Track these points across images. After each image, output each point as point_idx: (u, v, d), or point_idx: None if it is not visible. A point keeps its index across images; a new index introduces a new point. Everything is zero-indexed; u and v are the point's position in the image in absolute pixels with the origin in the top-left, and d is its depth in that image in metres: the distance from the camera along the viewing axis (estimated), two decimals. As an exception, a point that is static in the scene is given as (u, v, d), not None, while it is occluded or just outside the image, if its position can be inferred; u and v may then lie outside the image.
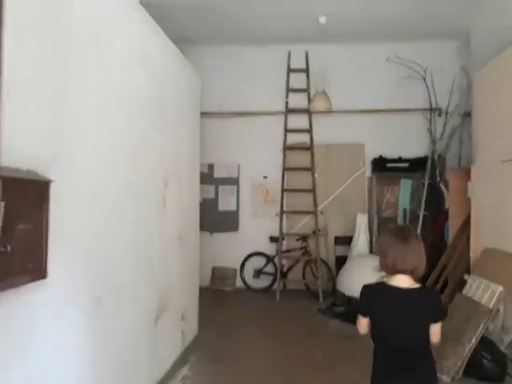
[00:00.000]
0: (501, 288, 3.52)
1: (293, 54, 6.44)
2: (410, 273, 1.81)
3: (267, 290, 6.22)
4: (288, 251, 6.27)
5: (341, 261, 6.11)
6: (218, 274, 6.46)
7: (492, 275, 3.79)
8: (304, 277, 6.06)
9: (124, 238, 2.55)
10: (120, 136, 2.51)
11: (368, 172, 6.43)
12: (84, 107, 2.09)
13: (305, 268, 6.07)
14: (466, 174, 4.68)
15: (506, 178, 3.82)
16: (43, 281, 1.72)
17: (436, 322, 1.84)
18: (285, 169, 6.27)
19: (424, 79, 6.18)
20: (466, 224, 4.67)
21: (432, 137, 6.15)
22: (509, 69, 3.85)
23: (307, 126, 6.28)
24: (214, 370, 3.51)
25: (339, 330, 4.58)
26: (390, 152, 6.28)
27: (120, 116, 2.49)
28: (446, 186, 5.88)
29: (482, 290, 3.81)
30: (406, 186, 6.17)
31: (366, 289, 1.93)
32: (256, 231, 6.43)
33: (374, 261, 5.36)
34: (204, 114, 6.50)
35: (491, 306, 3.58)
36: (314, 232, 6.04)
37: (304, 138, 6.32)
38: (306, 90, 6.37)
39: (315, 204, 6.08)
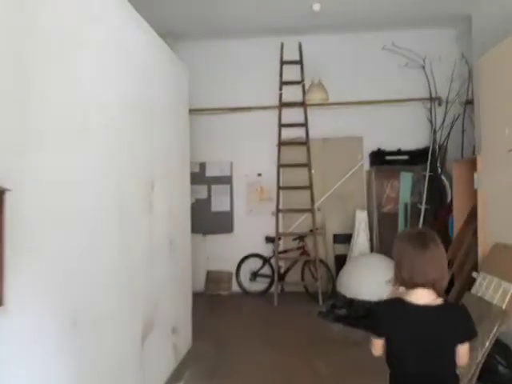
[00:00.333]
0: (514, 286, 3.28)
1: (285, 46, 6.14)
2: (431, 286, 1.55)
3: (264, 293, 5.97)
4: (285, 252, 6.01)
5: (340, 260, 5.88)
6: (213, 278, 6.19)
7: (503, 272, 3.56)
8: (303, 278, 5.80)
9: (103, 249, 2.26)
10: (99, 137, 2.22)
11: (366, 166, 6.19)
12: (54, 106, 1.80)
13: (303, 269, 5.81)
14: (471, 164, 4.43)
15: (515, 168, 3.58)
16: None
17: (463, 342, 1.57)
18: (280, 165, 5.99)
19: (423, 68, 5.93)
20: (472, 217, 4.43)
21: (433, 127, 5.90)
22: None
23: (302, 120, 6.00)
24: (210, 386, 3.25)
25: (342, 335, 4.32)
26: (389, 144, 6.05)
27: (98, 115, 2.20)
28: (448, 178, 5.66)
29: (492, 289, 3.58)
30: (406, 180, 5.92)
31: (381, 306, 1.67)
32: (251, 232, 6.17)
33: (376, 260, 5.10)
34: (194, 111, 6.21)
35: (504, 306, 3.35)
36: (312, 230, 5.78)
37: (299, 133, 6.05)
38: (301, 82, 6.09)
39: (312, 201, 5.81)
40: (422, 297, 1.56)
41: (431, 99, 5.98)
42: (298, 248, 5.90)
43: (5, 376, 1.51)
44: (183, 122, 3.95)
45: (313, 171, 5.92)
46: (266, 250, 6.13)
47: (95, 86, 2.20)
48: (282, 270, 5.98)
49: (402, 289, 1.60)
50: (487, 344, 3.20)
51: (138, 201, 2.70)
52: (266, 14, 5.45)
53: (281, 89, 6.01)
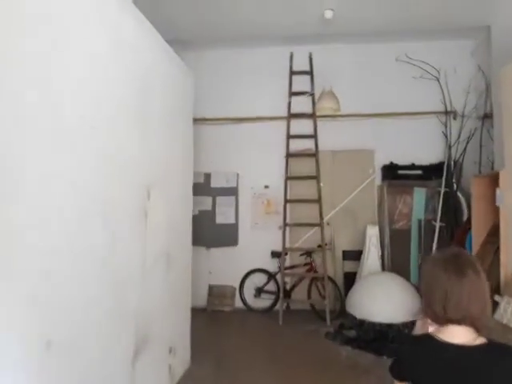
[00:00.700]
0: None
1: (296, 56, 6.01)
2: (470, 323, 1.26)
3: (269, 310, 5.69)
4: (292, 267, 5.74)
5: (349, 278, 5.59)
6: (216, 293, 5.93)
7: (528, 297, 3.27)
8: (309, 296, 5.51)
9: (84, 261, 2.04)
10: (86, 138, 2.03)
11: (378, 180, 5.94)
12: (29, 104, 1.62)
13: (310, 286, 5.52)
14: (492, 180, 4.17)
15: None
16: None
17: None
18: (288, 177, 5.78)
19: (438, 80, 5.73)
20: (493, 236, 4.15)
21: (448, 141, 5.66)
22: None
23: (312, 132, 5.81)
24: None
25: (351, 360, 4.02)
26: (402, 158, 5.81)
27: (80, 113, 2.01)
28: (464, 195, 5.40)
29: (518, 315, 3.28)
30: (419, 195, 5.65)
31: (405, 344, 1.37)
32: (257, 246, 5.93)
33: (388, 279, 4.76)
34: (200, 120, 6.09)
35: (533, 334, 3.05)
36: (320, 246, 5.52)
37: (308, 144, 5.85)
38: (309, 93, 5.91)
39: (321, 215, 5.56)
40: (459, 335, 1.26)
41: (446, 113, 5.75)
42: (306, 264, 5.63)
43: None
44: (186, 128, 3.76)
45: (322, 184, 5.71)
46: (271, 265, 5.88)
47: (76, 81, 2.00)
48: (288, 287, 5.71)
49: (431, 323, 1.31)
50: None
51: (130, 209, 2.49)
52: (277, 21, 5.30)
53: (290, 97, 5.84)
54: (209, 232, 6.00)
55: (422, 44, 5.87)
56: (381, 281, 4.60)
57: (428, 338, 1.29)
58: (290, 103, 5.87)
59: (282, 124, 5.91)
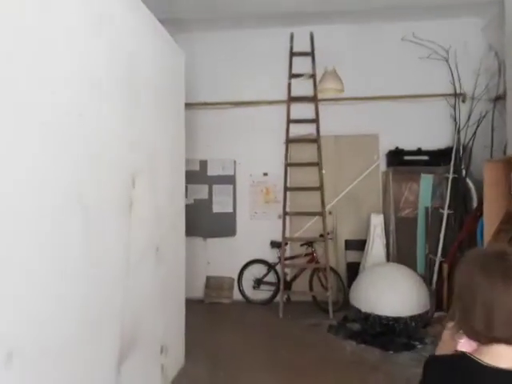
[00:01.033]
0: None
1: (296, 37, 5.71)
2: None
3: (268, 302, 5.49)
4: (292, 258, 5.52)
5: (352, 268, 5.38)
6: (213, 285, 5.72)
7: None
8: (311, 287, 5.29)
9: (59, 256, 1.79)
10: (56, 117, 1.76)
11: (383, 166, 5.67)
12: None
13: (312, 277, 5.30)
14: (505, 165, 3.93)
15: None
16: None
17: None
18: (288, 164, 5.52)
19: (446, 60, 5.41)
20: (506, 224, 3.92)
21: (457, 125, 5.37)
22: None
23: (313, 116, 5.53)
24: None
25: (356, 356, 3.81)
26: (408, 143, 5.53)
27: (44, 90, 1.74)
28: (474, 181, 5.14)
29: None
30: (426, 182, 5.39)
31: (436, 366, 1.08)
32: (255, 236, 5.69)
33: (394, 270, 4.48)
34: (196, 105, 5.81)
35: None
36: (322, 236, 5.28)
37: (309, 129, 5.56)
38: (312, 75, 5.61)
39: (323, 204, 5.32)
40: (507, 358, 0.98)
41: (455, 95, 5.45)
42: (307, 254, 5.41)
43: None
44: (177, 112, 3.48)
45: (324, 171, 5.48)
46: (271, 255, 5.66)
47: (47, 57, 1.73)
48: (289, 278, 5.50)
49: (467, 340, 1.03)
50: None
51: (112, 197, 2.23)
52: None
53: (290, 78, 5.54)
54: (205, 222, 5.78)
55: (429, 22, 5.55)
56: (387, 272, 4.37)
57: (465, 359, 1.01)
58: (289, 85, 5.58)
59: (282, 108, 5.64)
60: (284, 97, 5.65)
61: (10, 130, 1.50)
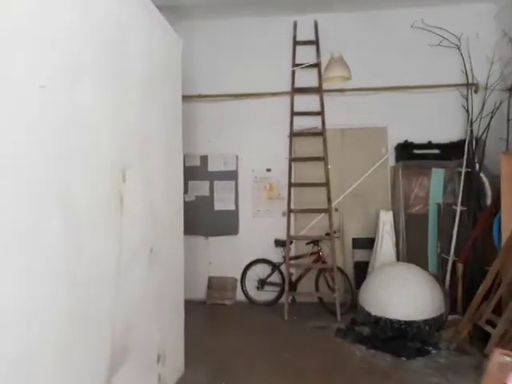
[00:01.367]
0: None
1: (300, 25, 5.51)
2: None
3: (273, 303, 5.27)
4: (297, 257, 5.29)
5: (360, 268, 5.16)
6: (215, 285, 5.50)
7: None
8: (317, 288, 5.06)
9: (40, 257, 1.57)
10: (42, 101, 1.54)
11: (392, 161, 5.43)
12: None
13: (318, 278, 5.07)
14: (525, 157, 3.67)
15: None
16: None
17: None
18: (292, 159, 5.30)
19: (458, 48, 5.15)
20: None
21: (469, 117, 5.11)
22: None
23: (318, 108, 5.29)
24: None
25: (366, 362, 3.57)
26: (418, 136, 5.28)
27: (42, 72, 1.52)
28: (488, 176, 4.88)
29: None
30: (437, 177, 5.13)
31: None
32: (259, 234, 5.47)
33: (405, 270, 4.21)
34: (196, 97, 5.58)
35: None
36: (328, 234, 5.05)
37: (315, 122, 5.33)
38: (317, 65, 5.36)
39: (329, 200, 5.09)
40: None
41: (468, 84, 5.19)
42: (312, 253, 5.17)
43: None
44: (173, 101, 3.24)
45: (329, 166, 5.28)
46: (275, 255, 5.44)
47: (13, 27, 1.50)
48: (294, 278, 5.27)
49: None
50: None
51: (100, 193, 2.00)
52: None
53: (293, 67, 5.30)
54: (207, 220, 5.56)
55: (439, 8, 5.32)
56: (397, 272, 4.12)
57: None
58: (293, 76, 5.34)
59: (286, 100, 5.42)
60: (287, 88, 5.42)
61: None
